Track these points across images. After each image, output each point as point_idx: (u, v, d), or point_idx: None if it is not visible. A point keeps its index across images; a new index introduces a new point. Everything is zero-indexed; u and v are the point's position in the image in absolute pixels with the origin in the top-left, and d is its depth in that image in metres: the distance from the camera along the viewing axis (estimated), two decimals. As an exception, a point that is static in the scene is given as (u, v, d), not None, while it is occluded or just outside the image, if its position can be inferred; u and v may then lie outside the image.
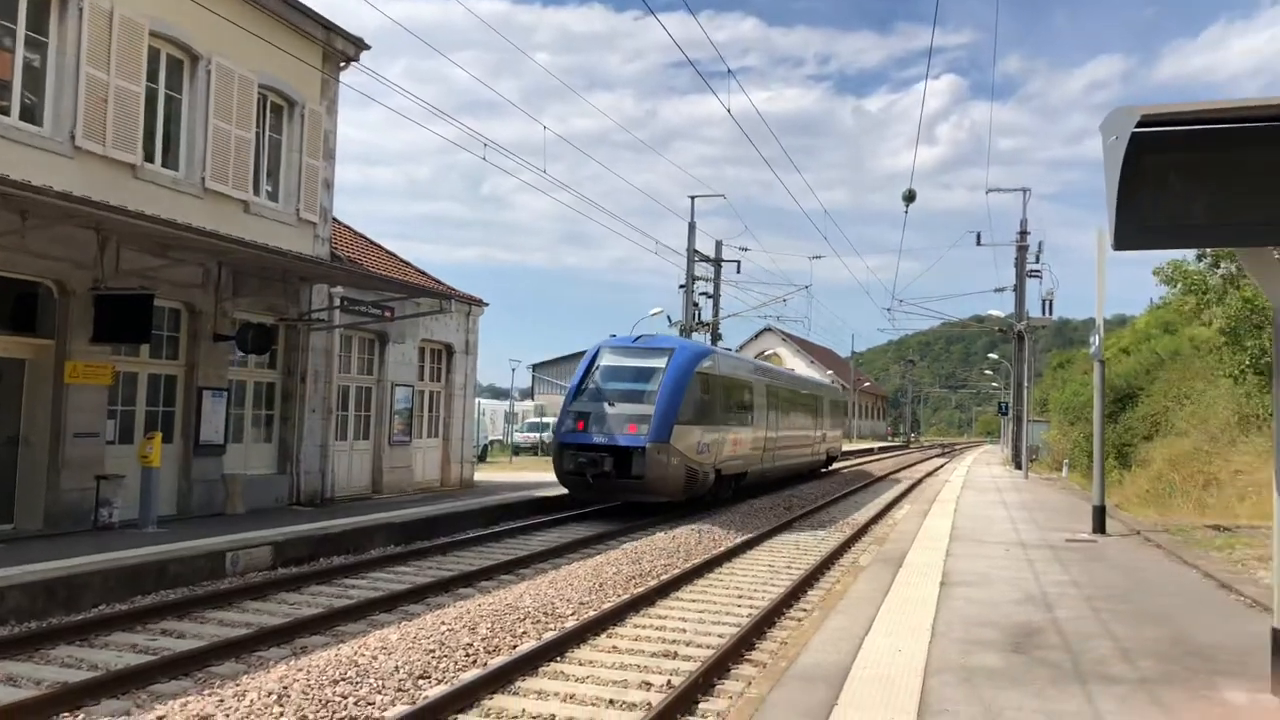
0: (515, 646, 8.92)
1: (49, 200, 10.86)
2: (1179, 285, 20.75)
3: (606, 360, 21.07)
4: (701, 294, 39.41)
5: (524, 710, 7.14)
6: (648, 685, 7.90)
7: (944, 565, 12.06)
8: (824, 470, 37.87)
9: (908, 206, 28.24)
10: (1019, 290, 42.87)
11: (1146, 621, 8.84)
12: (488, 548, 15.66)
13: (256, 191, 17.22)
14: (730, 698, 7.58)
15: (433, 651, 8.40)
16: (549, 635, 9.27)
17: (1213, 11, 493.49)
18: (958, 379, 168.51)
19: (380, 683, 7.51)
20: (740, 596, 11.98)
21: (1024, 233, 42.74)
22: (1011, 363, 46.85)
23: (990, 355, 76.52)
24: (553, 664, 8.44)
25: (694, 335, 37.27)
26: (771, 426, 27.08)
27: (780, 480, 29.61)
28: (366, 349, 20.77)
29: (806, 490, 28.57)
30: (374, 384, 20.83)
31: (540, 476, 28.80)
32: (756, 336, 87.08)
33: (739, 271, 41.92)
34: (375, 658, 8.06)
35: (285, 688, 7.12)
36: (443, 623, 9.40)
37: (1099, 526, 16.30)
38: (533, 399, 72.89)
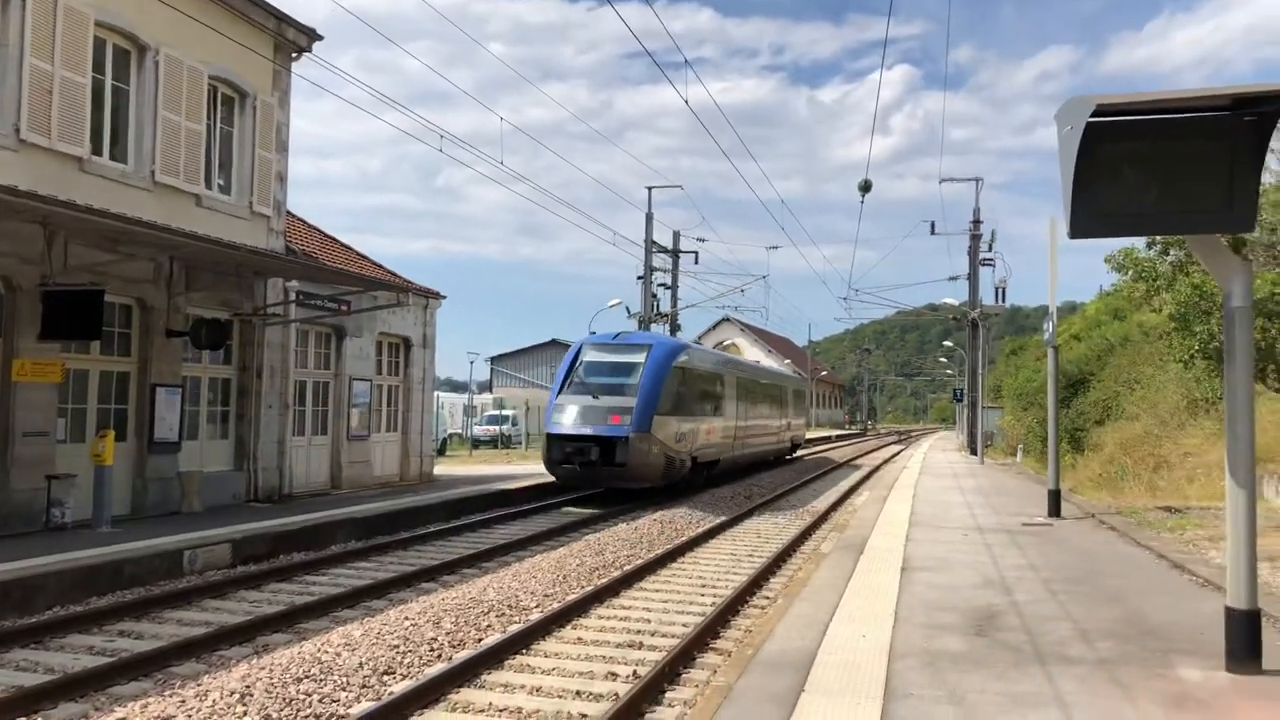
0: (480, 640, 8.89)
1: (-6, 194, 10.61)
2: (1130, 272, 21.13)
3: (590, 356, 22.22)
4: (660, 285, 39.47)
5: (490, 704, 7.12)
6: (614, 676, 7.91)
7: (904, 551, 12.20)
8: (789, 457, 39.30)
9: (864, 196, 28.37)
10: (972, 278, 43.36)
11: (1103, 603, 9.00)
12: (449, 542, 15.58)
13: (208, 185, 16.95)
14: (697, 686, 7.61)
15: (397, 647, 8.35)
16: (514, 628, 9.25)
17: (1156, 4, 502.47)
18: (913, 367, 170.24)
19: (344, 679, 7.45)
20: (704, 585, 12.03)
21: (977, 221, 43.23)
22: (966, 350, 47.43)
23: (945, 343, 77.33)
24: (518, 657, 8.42)
25: (653, 326, 37.33)
26: (741, 416, 28.55)
27: (749, 466, 30.97)
28: (323, 343, 20.55)
29: (767, 478, 28.73)
30: (331, 378, 20.62)
31: (501, 469, 28.72)
32: (715, 326, 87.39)
33: (697, 262, 42.11)
34: (339, 654, 7.99)
35: (248, 687, 7.04)
36: (406, 618, 9.34)
37: (1054, 510, 16.56)
38: (491, 392, 72.66)
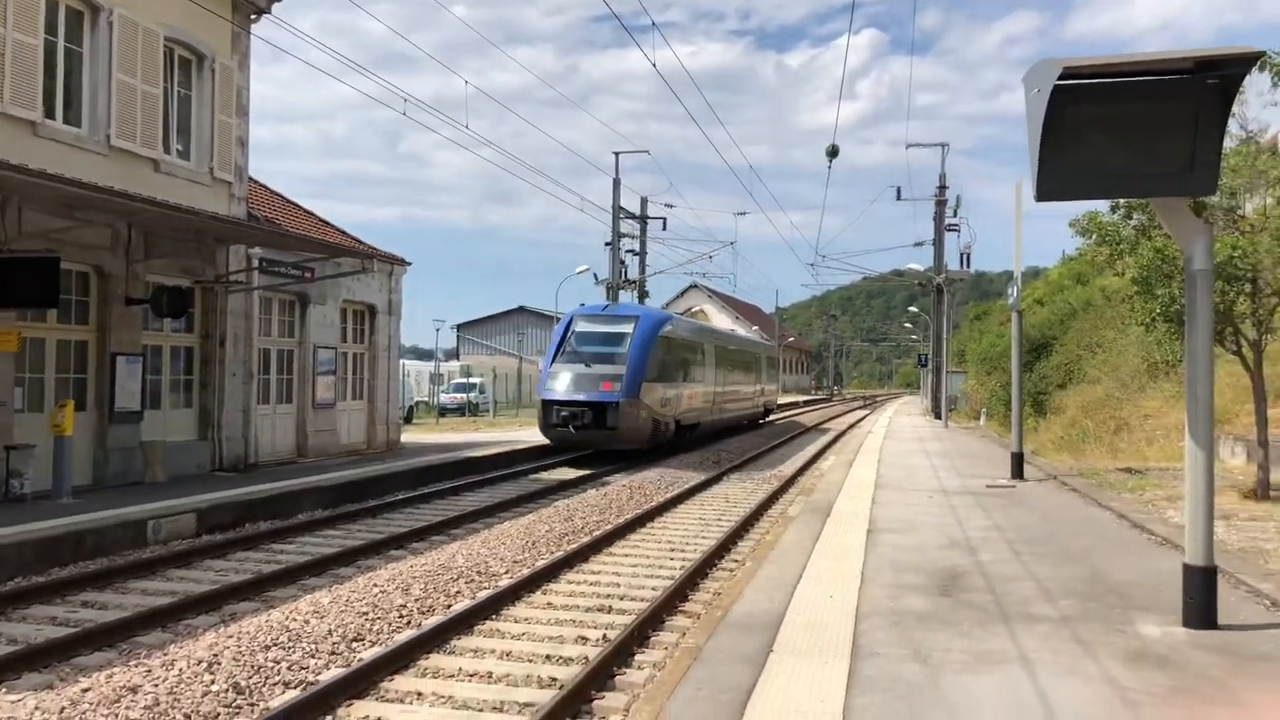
0: (450, 606, 8.89)
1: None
2: (1094, 236, 21.26)
3: (581, 327, 23.87)
4: (628, 251, 39.36)
5: (461, 669, 7.14)
6: (584, 640, 7.95)
7: (870, 513, 12.32)
8: (762, 422, 40.72)
9: (831, 161, 28.27)
10: (938, 244, 43.61)
11: (1065, 562, 9.16)
12: (418, 509, 15.55)
13: (167, 150, 16.61)
14: (666, 648, 7.67)
15: (366, 614, 8.34)
16: (483, 594, 9.26)
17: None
18: (878, 332, 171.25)
19: (314, 646, 7.43)
20: (673, 550, 12.10)
21: (943, 187, 43.44)
22: (931, 315, 47.77)
23: (910, 309, 77.72)
24: (488, 622, 8.44)
25: (620, 293, 37.27)
26: (719, 383, 30.44)
27: (727, 429, 32.71)
28: (287, 311, 20.33)
29: (735, 443, 28.91)
30: (296, 346, 20.43)
31: (468, 437, 28.66)
32: (683, 294, 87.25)
33: (665, 229, 42.16)
34: (307, 622, 7.96)
35: (216, 655, 7.01)
36: (375, 585, 9.32)
37: (1018, 472, 16.80)
38: (458, 359, 72.30)
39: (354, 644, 7.64)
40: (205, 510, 12.92)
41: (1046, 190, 6.21)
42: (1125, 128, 6.23)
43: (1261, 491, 13.26)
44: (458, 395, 51.24)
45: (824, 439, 32.55)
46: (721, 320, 78.79)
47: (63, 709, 6.02)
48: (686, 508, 15.98)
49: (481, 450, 22.60)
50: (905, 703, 5.16)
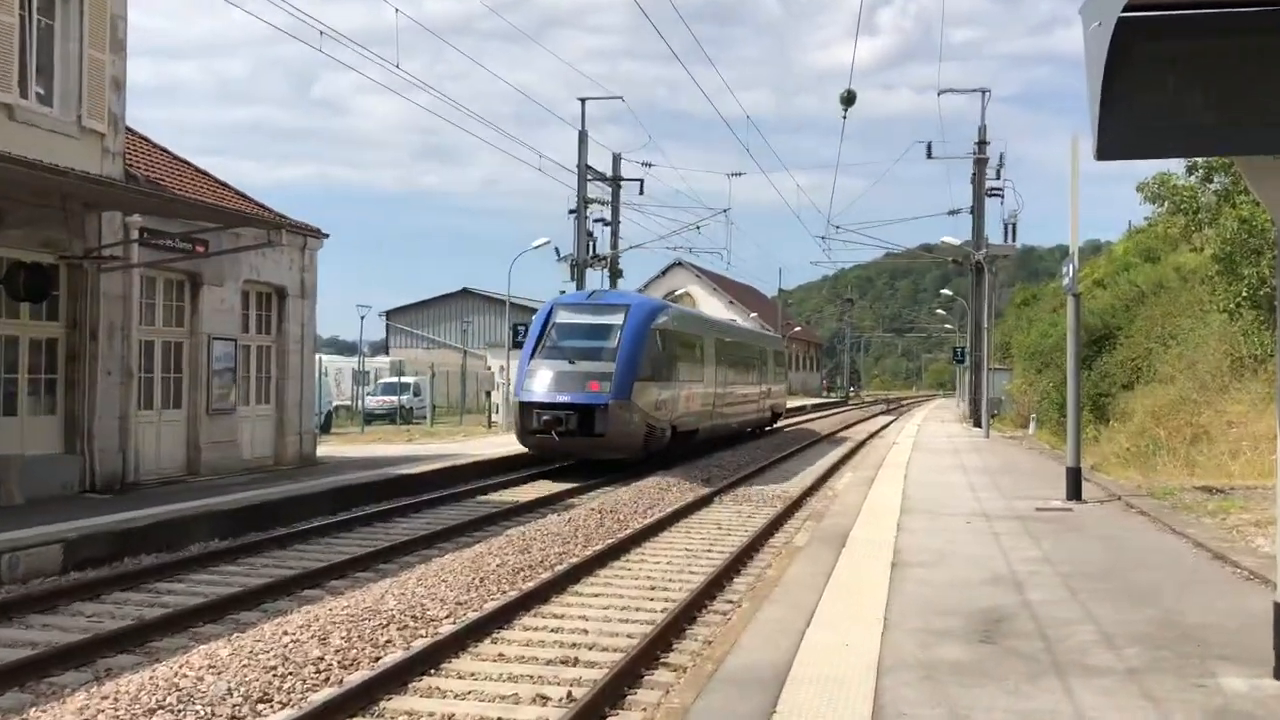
0: (378, 659, 8.88)
1: None
2: (1166, 203, 21.44)
3: (562, 318, 24.57)
4: (597, 220, 39.42)
5: (392, 736, 7.12)
6: (543, 699, 7.95)
7: (895, 542, 12.39)
8: (768, 429, 41.50)
9: (846, 111, 28.30)
10: (976, 212, 43.89)
11: (1132, 602, 9.24)
12: (338, 539, 15.53)
13: (24, 93, 16.45)
14: (645, 709, 7.68)
15: (274, 669, 8.31)
16: (419, 644, 9.25)
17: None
18: (904, 321, 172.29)
19: (209, 710, 7.40)
20: (653, 588, 12.13)
21: (983, 143, 43.68)
22: (968, 300, 48.10)
23: (943, 292, 78.32)
24: (425, 678, 8.43)
25: (588, 271, 37.29)
26: (721, 383, 31.15)
27: (729, 438, 33.49)
28: (175, 294, 20.22)
29: (731, 457, 29.00)
30: (186, 338, 20.34)
31: (401, 450, 28.60)
32: (664, 273, 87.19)
33: (642, 192, 42.13)
34: (201, 679, 7.93)
35: (86, 721, 6.96)
36: (285, 633, 9.29)
37: (1074, 492, 16.90)
38: (387, 354, 72.10)
39: (259, 706, 7.61)
40: (74, 541, 12.83)
41: (1109, 147, 6.19)
42: (1210, 69, 6.17)
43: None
44: (387, 398, 51.13)
45: (838, 450, 32.70)
46: (713, 306, 79.06)
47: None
48: (670, 536, 16.01)
49: (417, 466, 22.56)
50: (938, 774, 5.19)
